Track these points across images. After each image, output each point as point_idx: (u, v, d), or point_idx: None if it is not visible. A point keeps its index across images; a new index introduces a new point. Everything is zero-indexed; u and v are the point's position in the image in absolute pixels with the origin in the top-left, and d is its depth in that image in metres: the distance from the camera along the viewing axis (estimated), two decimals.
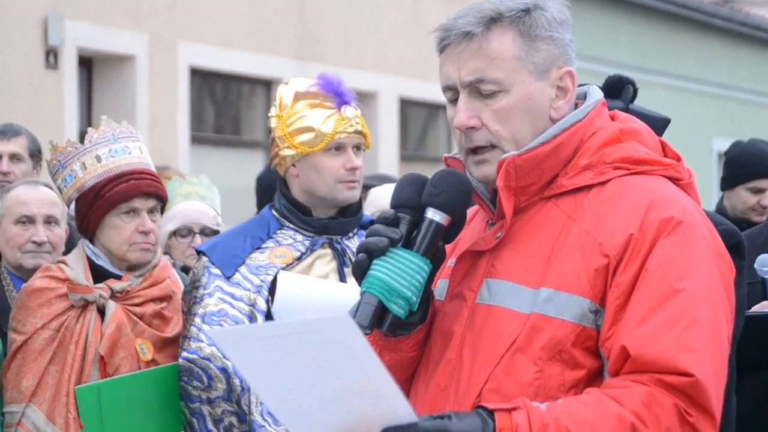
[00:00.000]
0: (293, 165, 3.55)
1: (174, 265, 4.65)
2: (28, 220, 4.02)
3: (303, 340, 1.93)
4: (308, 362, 1.95)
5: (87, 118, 10.84)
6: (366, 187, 6.67)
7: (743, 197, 5.50)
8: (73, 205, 3.68)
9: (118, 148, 3.65)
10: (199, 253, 3.60)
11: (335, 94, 3.64)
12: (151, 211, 3.67)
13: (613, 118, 2.31)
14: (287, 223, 3.57)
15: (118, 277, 3.66)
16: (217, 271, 3.50)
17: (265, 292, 3.43)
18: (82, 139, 3.73)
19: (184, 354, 3.47)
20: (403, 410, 1.98)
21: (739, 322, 2.95)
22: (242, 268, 3.50)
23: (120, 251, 3.65)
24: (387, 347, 2.26)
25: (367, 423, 1.99)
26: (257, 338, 1.97)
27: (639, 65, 15.54)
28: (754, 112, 19.71)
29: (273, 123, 3.64)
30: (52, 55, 10.23)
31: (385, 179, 6.15)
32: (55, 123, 9.95)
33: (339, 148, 3.52)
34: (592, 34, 15.79)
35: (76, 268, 3.65)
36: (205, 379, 3.43)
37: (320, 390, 1.98)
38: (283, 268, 3.48)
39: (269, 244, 3.54)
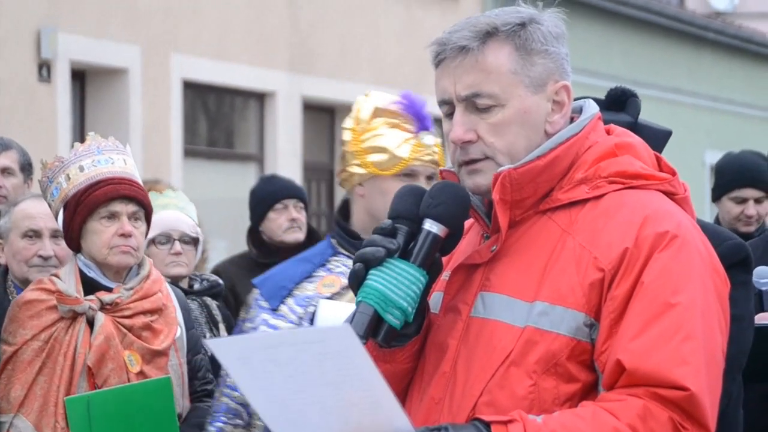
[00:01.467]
0: (360, 184, 3.36)
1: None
2: (34, 234, 4.02)
3: (302, 350, 1.94)
4: (307, 372, 1.96)
5: (80, 131, 10.84)
6: None
7: (727, 207, 5.52)
8: (61, 218, 3.69)
9: (102, 159, 3.67)
10: (254, 285, 3.50)
11: (417, 118, 3.40)
12: (133, 217, 3.67)
13: (608, 132, 2.31)
14: (341, 249, 3.39)
15: (110, 290, 3.67)
16: (264, 304, 3.37)
17: (306, 324, 3.30)
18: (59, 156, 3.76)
19: (226, 391, 3.39)
20: (400, 422, 1.98)
21: (748, 335, 2.95)
22: (289, 300, 3.34)
23: (101, 255, 3.66)
24: (381, 358, 2.26)
25: None
26: (256, 348, 1.97)
27: (632, 78, 15.58)
28: (747, 124, 19.77)
29: (347, 136, 3.42)
30: (45, 68, 10.23)
31: None
32: (48, 136, 9.95)
33: (411, 175, 3.31)
34: (585, 47, 15.83)
35: (68, 280, 3.66)
36: (245, 416, 3.37)
37: (318, 400, 1.98)
38: (329, 297, 3.32)
39: (320, 272, 3.38)
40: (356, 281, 2.19)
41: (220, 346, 2.03)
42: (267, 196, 5.80)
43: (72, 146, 3.79)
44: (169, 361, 3.69)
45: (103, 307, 3.63)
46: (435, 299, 2.31)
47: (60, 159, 3.70)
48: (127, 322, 3.64)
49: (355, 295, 2.19)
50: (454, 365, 2.21)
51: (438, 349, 2.25)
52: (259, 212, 5.82)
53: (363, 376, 1.94)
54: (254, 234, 5.87)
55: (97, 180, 3.63)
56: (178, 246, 4.69)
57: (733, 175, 5.56)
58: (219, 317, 4.76)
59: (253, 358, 1.97)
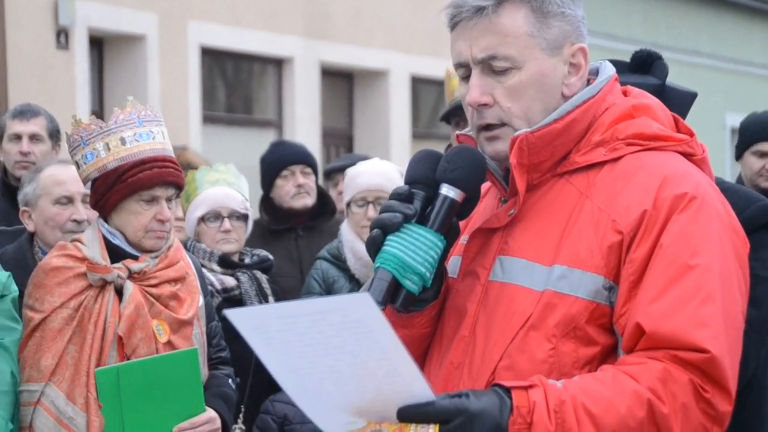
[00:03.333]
0: None
1: (211, 253, 4.69)
2: (67, 200, 4.02)
3: (321, 319, 1.93)
4: (326, 342, 1.95)
5: (98, 99, 10.84)
6: (340, 170, 6.58)
7: (750, 163, 5.53)
8: (89, 184, 3.69)
9: (143, 132, 3.65)
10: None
11: None
12: (169, 200, 3.69)
13: (625, 94, 2.30)
14: None
15: (134, 257, 3.67)
16: None
17: None
18: (97, 118, 3.74)
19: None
20: (420, 388, 1.98)
21: None
22: None
23: (136, 237, 3.66)
24: (400, 323, 2.26)
25: (384, 402, 1.99)
26: (274, 318, 1.97)
27: (652, 41, 15.47)
28: (767, 86, 19.61)
29: None
30: (63, 36, 10.23)
31: (356, 158, 5.97)
32: (67, 103, 9.95)
33: None
34: (605, 10, 15.72)
35: (92, 247, 3.65)
36: None
37: (337, 369, 1.98)
38: None
39: None
40: (374, 247, 2.19)
41: (239, 315, 2.03)
42: (274, 163, 5.79)
43: (90, 112, 3.78)
44: (193, 331, 3.69)
45: (131, 275, 3.63)
46: (453, 264, 2.30)
47: (98, 123, 3.67)
48: (154, 291, 3.65)
49: (373, 261, 2.19)
50: (473, 329, 2.21)
51: (457, 313, 2.25)
52: (268, 179, 5.83)
53: (382, 343, 1.94)
54: (266, 201, 5.88)
55: (140, 159, 3.62)
56: (227, 223, 4.74)
57: (755, 129, 5.60)
58: (269, 290, 4.79)
59: (271, 328, 1.97)
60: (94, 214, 4.00)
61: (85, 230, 3.90)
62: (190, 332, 3.67)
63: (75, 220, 4.00)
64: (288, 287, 5.33)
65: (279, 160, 5.77)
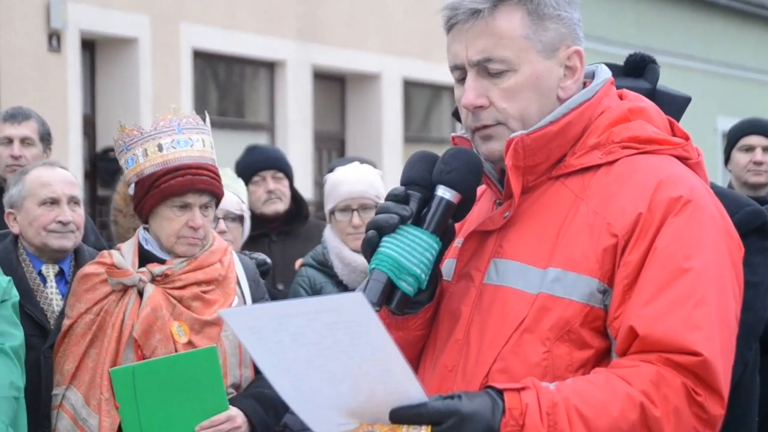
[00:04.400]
0: None
1: None
2: (52, 201, 4.04)
3: (315, 319, 1.93)
4: (319, 342, 1.95)
5: (90, 101, 10.83)
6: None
7: (736, 159, 5.56)
8: (132, 188, 3.74)
9: (181, 140, 3.69)
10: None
11: None
12: (204, 207, 3.72)
13: (621, 97, 2.30)
14: None
15: (163, 261, 3.72)
16: None
17: None
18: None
19: None
20: (413, 390, 1.98)
21: (766, 301, 2.94)
22: None
23: (168, 242, 3.72)
24: (394, 325, 2.26)
25: (377, 403, 1.99)
26: (269, 318, 1.97)
27: (644, 44, 15.50)
28: (759, 90, 19.67)
29: None
30: (54, 38, 10.21)
31: (345, 162, 5.89)
32: (59, 106, 9.94)
33: None
34: (597, 14, 15.76)
35: (127, 253, 3.73)
36: None
37: (330, 370, 1.98)
38: None
39: None
40: (369, 248, 2.19)
41: (233, 315, 2.03)
42: (245, 168, 5.78)
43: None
44: (223, 332, 3.69)
45: (154, 278, 3.67)
46: (448, 266, 2.30)
47: (140, 129, 3.72)
48: (177, 293, 3.68)
49: (368, 262, 2.19)
50: (467, 332, 2.21)
51: (451, 316, 2.25)
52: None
53: (376, 344, 1.93)
54: None
55: (175, 166, 3.65)
56: (222, 225, 4.74)
57: (742, 126, 5.66)
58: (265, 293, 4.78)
59: (265, 327, 1.97)
60: (79, 216, 4.02)
61: (75, 231, 3.97)
62: (216, 333, 3.68)
63: (60, 222, 4.01)
64: None
65: (250, 166, 5.76)
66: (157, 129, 3.69)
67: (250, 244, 5.35)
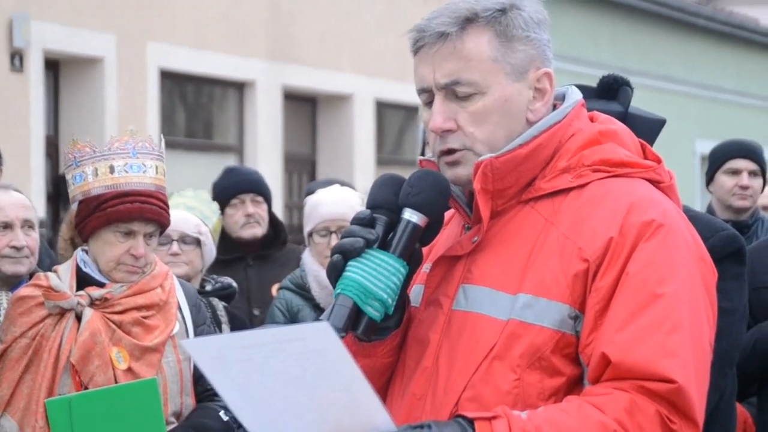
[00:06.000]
0: None
1: None
2: (6, 226, 4.02)
3: (280, 348, 1.93)
4: (284, 372, 1.95)
5: (54, 122, 10.80)
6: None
7: (721, 182, 5.57)
8: (75, 205, 3.71)
9: (135, 164, 3.68)
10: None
11: None
12: (149, 235, 3.71)
13: (592, 120, 2.31)
14: None
15: (102, 285, 3.69)
16: None
17: None
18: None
19: None
20: (381, 420, 1.97)
21: (741, 329, 2.95)
22: None
23: (107, 267, 3.70)
24: (361, 353, 2.25)
25: None
26: (233, 348, 1.96)
27: (620, 65, 15.61)
28: (738, 113, 19.82)
29: None
30: (17, 58, 10.18)
31: (325, 184, 5.89)
32: (21, 127, 9.90)
33: None
34: (572, 34, 15.85)
35: (64, 275, 3.69)
36: None
37: (296, 400, 1.97)
38: None
39: None
40: (334, 273, 2.18)
41: (196, 345, 2.02)
42: (223, 191, 5.77)
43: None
44: (164, 358, 3.68)
45: (93, 302, 3.64)
46: (416, 292, 2.30)
47: (93, 146, 3.70)
48: (116, 317, 3.65)
49: (334, 287, 2.19)
50: (436, 360, 2.21)
51: (419, 343, 2.25)
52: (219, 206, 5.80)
53: (342, 373, 1.93)
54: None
55: (125, 191, 3.64)
56: (175, 247, 4.72)
57: (727, 149, 5.65)
58: (224, 318, 4.77)
59: (229, 357, 1.97)
60: (33, 241, 4.00)
61: (29, 257, 3.92)
62: (156, 359, 3.66)
63: (14, 247, 4.00)
64: None
65: (228, 188, 5.74)
66: (111, 149, 3.68)
67: (226, 269, 5.35)
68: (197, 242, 4.80)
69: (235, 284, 4.97)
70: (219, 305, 4.80)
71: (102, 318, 3.63)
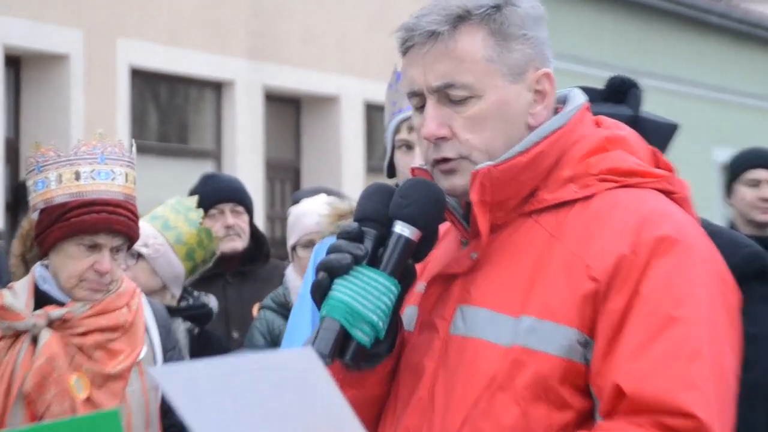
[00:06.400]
0: None
1: None
2: None
3: (259, 378, 1.91)
4: (263, 403, 1.93)
5: (14, 124, 10.77)
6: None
7: (742, 194, 5.57)
8: (36, 214, 3.68)
9: (103, 171, 3.64)
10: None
11: None
12: (116, 250, 3.67)
13: (598, 125, 2.31)
14: None
15: (62, 304, 3.65)
16: None
17: None
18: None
19: None
20: None
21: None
22: None
23: (68, 283, 3.65)
24: (349, 383, 2.23)
25: None
26: (207, 377, 1.95)
27: (626, 66, 15.63)
28: (758, 118, 19.86)
29: None
30: None
31: (311, 193, 5.83)
32: None
33: None
34: (573, 31, 15.88)
35: (20, 293, 3.65)
36: None
37: None
38: None
39: None
40: (319, 293, 2.16)
41: (165, 373, 2.00)
42: (201, 199, 5.75)
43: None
44: (128, 387, 3.64)
45: (51, 323, 3.59)
46: (409, 315, 2.28)
47: (57, 150, 3.67)
48: (77, 340, 3.61)
49: (318, 309, 2.17)
50: (431, 390, 2.19)
51: (413, 371, 2.23)
52: None
53: (327, 405, 1.92)
54: None
55: (91, 199, 3.60)
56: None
57: (746, 158, 5.67)
58: (180, 341, 4.72)
59: (201, 387, 1.95)
60: None
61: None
62: (120, 388, 3.61)
63: None
64: None
65: (206, 197, 5.71)
66: (77, 154, 3.64)
67: (202, 286, 5.33)
68: (137, 256, 4.71)
69: (213, 305, 4.93)
70: (180, 327, 4.74)
71: (61, 341, 3.58)
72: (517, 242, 2.19)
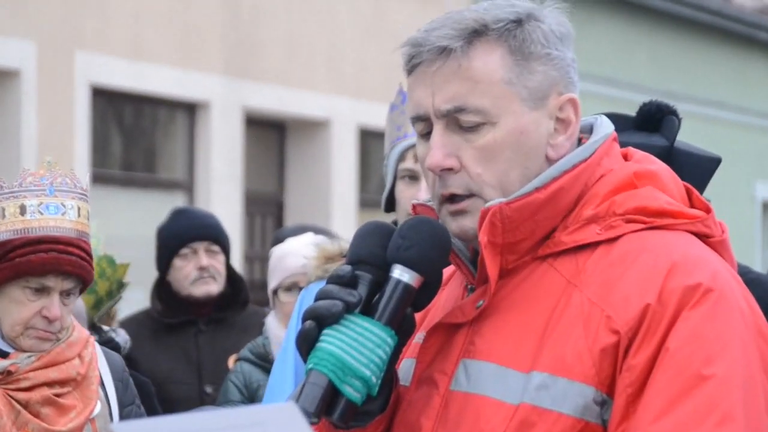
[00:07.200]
0: None
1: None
2: None
3: None
4: None
5: None
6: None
7: None
8: None
9: (52, 204, 3.66)
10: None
11: None
12: (66, 294, 3.68)
13: (626, 158, 2.32)
14: None
15: (5, 355, 3.66)
16: None
17: None
18: None
19: None
20: None
21: None
22: None
23: (12, 332, 3.68)
24: None
25: None
26: None
27: (661, 88, 15.69)
28: None
29: None
30: None
31: (296, 231, 5.85)
32: None
33: None
34: (602, 49, 15.92)
35: None
36: None
37: None
38: None
39: None
40: (306, 343, 2.18)
41: (128, 430, 2.02)
42: (171, 238, 5.76)
43: None
44: None
45: None
46: (405, 368, 2.31)
47: (1, 181, 3.69)
48: (22, 395, 3.63)
49: (305, 361, 2.19)
50: None
51: (409, 431, 2.24)
52: (164, 258, 5.78)
53: None
54: (160, 286, 5.82)
55: (38, 237, 3.62)
56: None
57: None
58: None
59: None
60: None
61: None
62: None
63: None
64: (182, 397, 5.28)
65: (177, 235, 5.74)
66: (22, 185, 3.68)
67: (172, 334, 5.36)
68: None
69: (120, 340, 4.92)
70: None
71: (4, 396, 3.61)
72: (530, 289, 2.22)
